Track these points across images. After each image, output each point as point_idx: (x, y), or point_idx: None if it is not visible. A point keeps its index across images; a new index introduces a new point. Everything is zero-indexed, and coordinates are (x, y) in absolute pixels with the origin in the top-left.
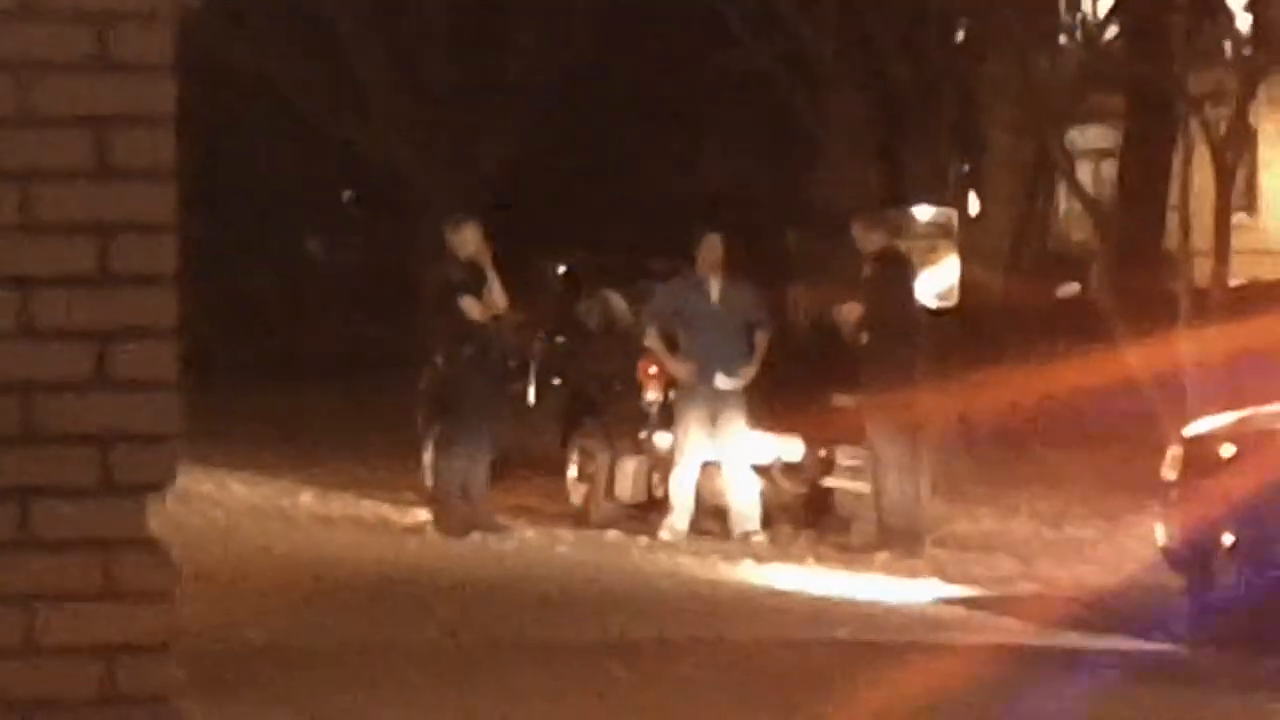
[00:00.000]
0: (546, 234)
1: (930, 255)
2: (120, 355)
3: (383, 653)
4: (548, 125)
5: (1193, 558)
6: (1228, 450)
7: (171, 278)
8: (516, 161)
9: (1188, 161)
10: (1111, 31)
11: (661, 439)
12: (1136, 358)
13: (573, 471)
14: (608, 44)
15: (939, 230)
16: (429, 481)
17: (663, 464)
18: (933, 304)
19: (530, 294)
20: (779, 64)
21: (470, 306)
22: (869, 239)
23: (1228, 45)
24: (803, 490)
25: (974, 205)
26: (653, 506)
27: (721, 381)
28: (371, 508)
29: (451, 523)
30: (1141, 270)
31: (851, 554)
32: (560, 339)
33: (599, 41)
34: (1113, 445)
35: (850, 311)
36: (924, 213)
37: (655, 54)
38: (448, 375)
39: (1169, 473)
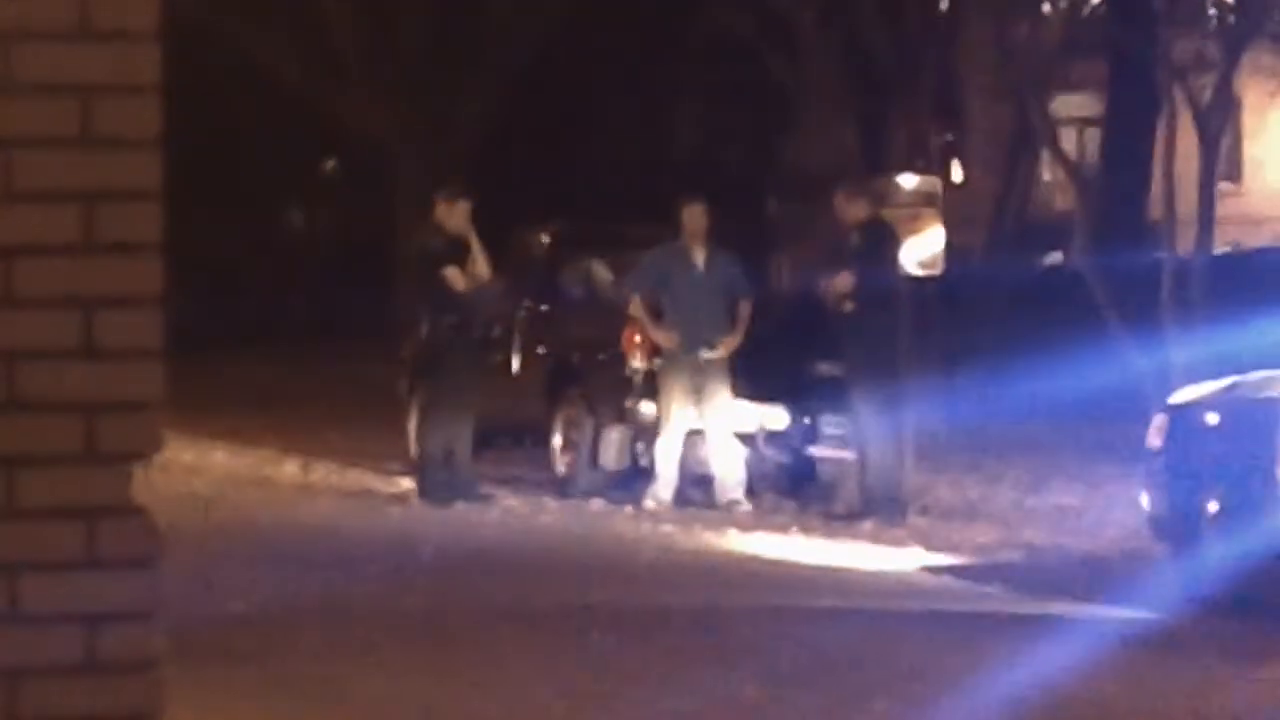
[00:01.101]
0: (522, 200)
1: (914, 224)
2: (105, 324)
3: (363, 620)
4: (523, 90)
5: (1178, 525)
6: (1212, 418)
7: (157, 246)
8: (492, 127)
9: (1171, 130)
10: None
11: (646, 408)
12: (1120, 326)
13: (557, 440)
14: (584, 8)
15: (923, 199)
16: (413, 450)
17: (647, 433)
18: (917, 272)
19: (513, 262)
20: (757, 29)
21: (454, 277)
22: (851, 208)
23: (1212, 13)
24: (787, 459)
25: (957, 173)
26: (637, 475)
27: (706, 350)
28: (355, 477)
29: (435, 491)
30: (1125, 238)
31: (836, 522)
32: (544, 307)
33: (574, 6)
34: (1095, 413)
35: (842, 282)
36: (908, 181)
37: (632, 19)
38: (430, 344)
39: (1154, 440)
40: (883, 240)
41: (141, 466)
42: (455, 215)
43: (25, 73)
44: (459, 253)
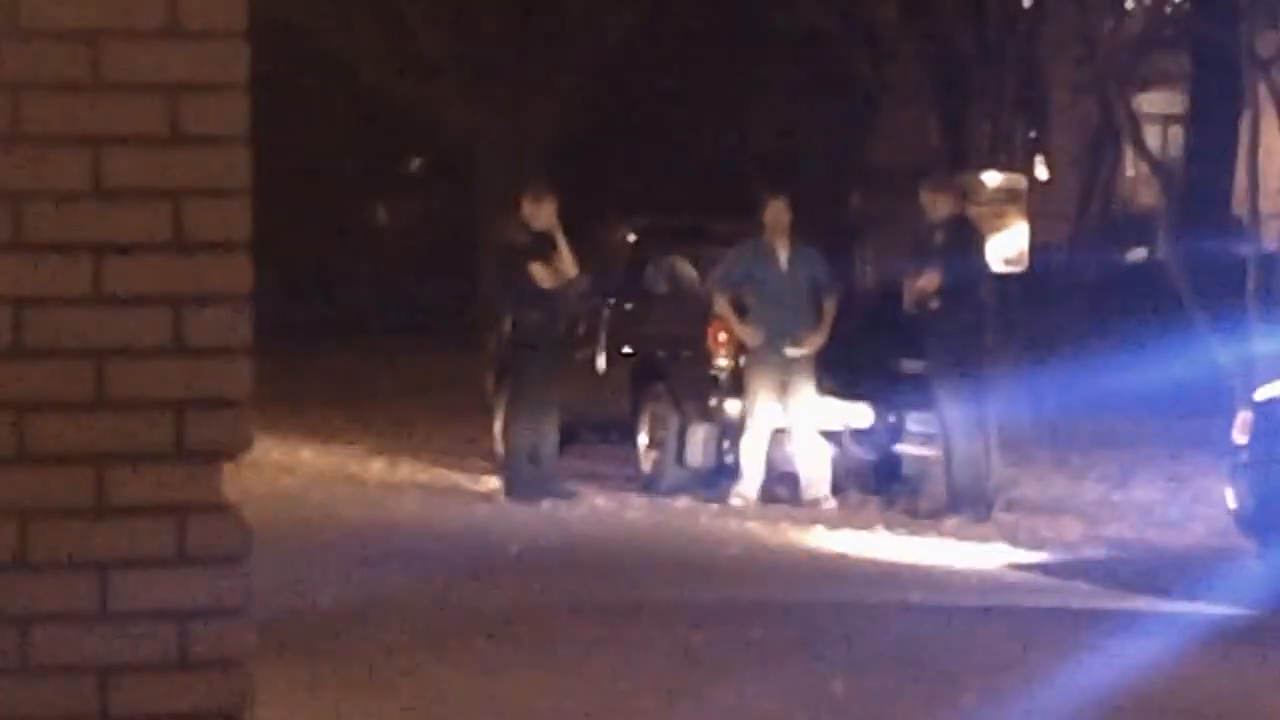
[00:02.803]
0: (604, 196)
1: (999, 220)
2: (194, 321)
3: (449, 617)
4: (604, 86)
5: (1264, 521)
6: None
7: (245, 244)
8: (573, 123)
9: (1255, 124)
10: None
11: (731, 405)
12: (1205, 321)
13: (643, 438)
14: (664, 3)
15: (1008, 195)
16: (499, 448)
17: (733, 430)
18: (1002, 269)
19: (597, 259)
20: (840, 24)
21: (540, 272)
22: (936, 205)
23: None
24: (872, 456)
25: (1042, 170)
26: (723, 472)
27: (791, 347)
28: (441, 474)
29: (521, 488)
30: (1210, 233)
31: (921, 519)
32: (628, 305)
33: (654, 1)
34: (1181, 408)
35: (927, 279)
36: (993, 178)
37: (713, 14)
38: (515, 341)
39: (1239, 436)
40: (967, 236)
41: (231, 463)
42: (542, 212)
43: (114, 72)
44: (545, 249)
